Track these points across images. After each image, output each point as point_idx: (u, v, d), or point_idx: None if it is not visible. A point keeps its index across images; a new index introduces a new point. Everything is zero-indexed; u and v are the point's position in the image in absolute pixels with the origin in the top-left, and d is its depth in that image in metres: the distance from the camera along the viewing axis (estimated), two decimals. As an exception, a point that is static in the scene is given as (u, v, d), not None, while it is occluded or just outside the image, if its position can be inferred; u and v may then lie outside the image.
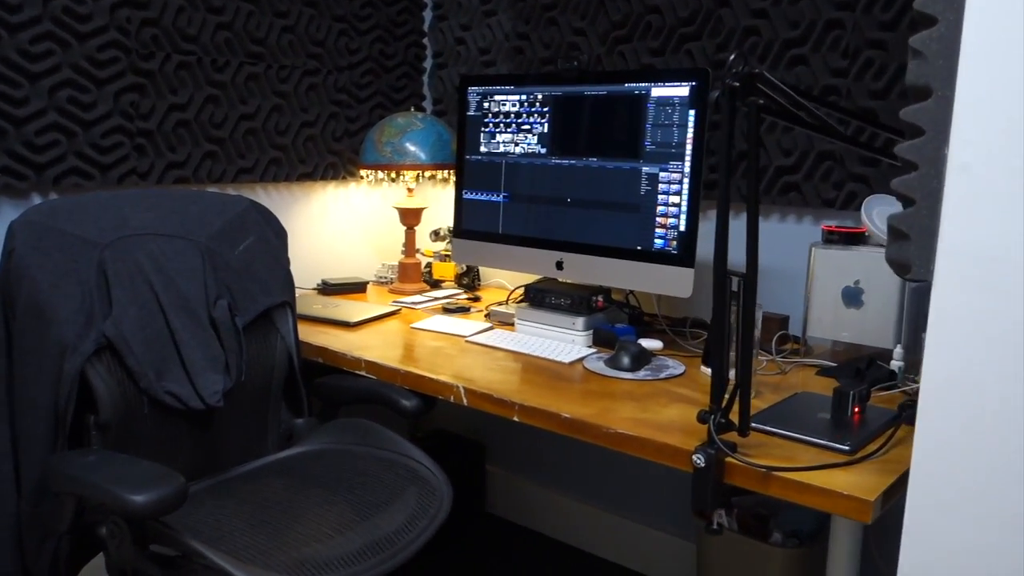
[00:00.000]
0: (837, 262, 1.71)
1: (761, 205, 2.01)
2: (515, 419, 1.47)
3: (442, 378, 1.59)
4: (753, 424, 1.32)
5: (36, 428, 1.36)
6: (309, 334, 1.90)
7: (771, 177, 1.94)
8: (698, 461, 1.19)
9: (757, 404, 1.44)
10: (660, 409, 1.43)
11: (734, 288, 1.16)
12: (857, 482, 1.14)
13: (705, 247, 2.08)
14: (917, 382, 1.56)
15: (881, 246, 1.67)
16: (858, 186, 1.82)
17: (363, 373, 1.73)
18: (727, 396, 1.22)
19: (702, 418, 1.23)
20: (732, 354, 1.28)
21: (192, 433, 1.55)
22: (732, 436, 1.25)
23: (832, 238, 1.73)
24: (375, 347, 1.81)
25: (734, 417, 1.24)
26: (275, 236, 1.75)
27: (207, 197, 1.69)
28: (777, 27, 1.89)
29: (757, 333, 1.54)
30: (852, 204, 1.84)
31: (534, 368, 1.68)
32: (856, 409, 1.37)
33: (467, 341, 1.87)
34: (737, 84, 1.07)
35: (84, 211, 1.48)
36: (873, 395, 1.49)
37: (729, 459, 1.21)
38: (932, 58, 0.88)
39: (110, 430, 1.41)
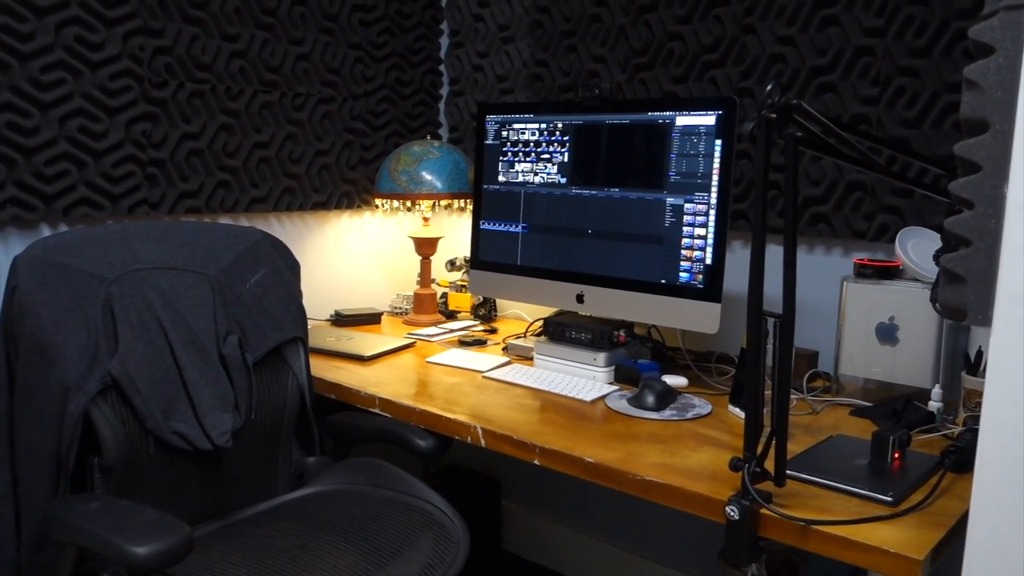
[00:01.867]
0: (870, 297, 1.64)
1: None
2: (536, 462, 1.41)
3: (459, 417, 1.53)
4: (788, 471, 1.25)
5: (37, 471, 1.31)
6: (322, 369, 1.84)
7: (799, 207, 1.88)
8: (732, 514, 1.12)
9: (790, 448, 1.37)
10: (688, 453, 1.36)
11: (769, 330, 1.10)
12: (903, 538, 1.07)
13: (730, 280, 2.02)
14: (957, 424, 1.49)
15: (916, 280, 1.60)
16: (890, 217, 1.76)
17: (377, 411, 1.67)
18: (761, 442, 1.15)
19: (735, 466, 1.16)
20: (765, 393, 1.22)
21: (199, 474, 1.49)
22: (767, 485, 1.18)
23: (865, 272, 1.66)
24: (389, 383, 1.75)
25: (769, 465, 1.17)
26: (288, 269, 1.70)
27: (219, 229, 1.65)
28: (804, 54, 1.83)
29: (789, 372, 1.48)
30: (884, 236, 1.77)
31: (554, 406, 1.61)
32: (896, 455, 1.30)
33: (484, 377, 1.81)
34: (774, 116, 1.01)
35: (91, 245, 1.44)
36: (912, 439, 1.41)
37: (764, 511, 1.14)
38: (990, 89, 0.82)
39: (114, 473, 1.35)
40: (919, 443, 1.41)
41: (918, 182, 1.29)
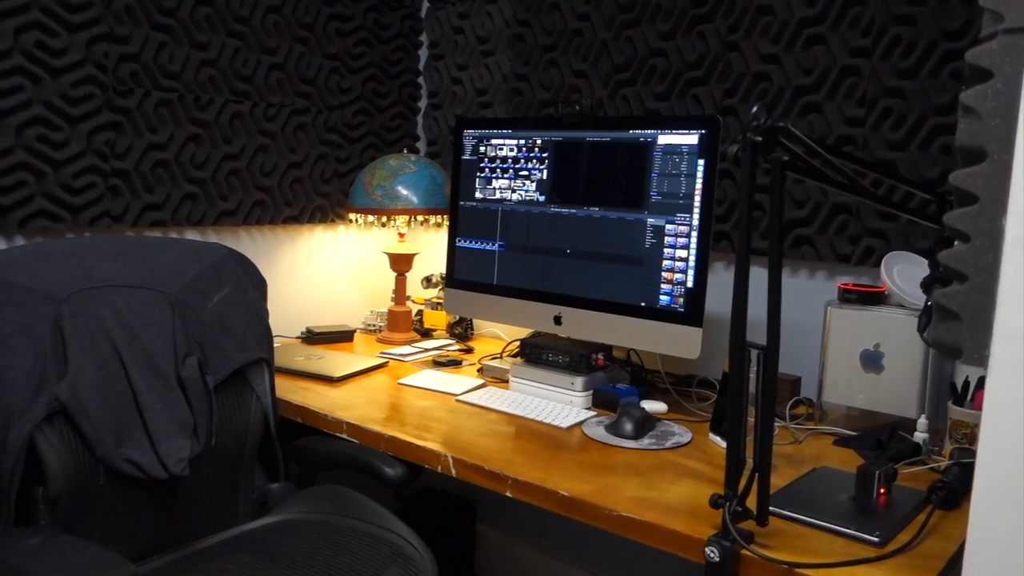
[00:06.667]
0: (854, 323, 1.59)
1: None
2: (508, 494, 1.35)
3: (429, 445, 1.46)
4: (770, 507, 1.19)
5: (-23, 502, 1.23)
6: (289, 390, 1.77)
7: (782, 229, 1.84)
8: (712, 555, 1.06)
9: (772, 480, 1.32)
10: (667, 486, 1.31)
11: (752, 362, 1.05)
12: (891, 583, 1.01)
13: (711, 301, 1.97)
14: (944, 456, 1.44)
15: (902, 306, 1.56)
16: (876, 241, 1.72)
17: (344, 436, 1.60)
18: (745, 475, 1.10)
19: (716, 504, 1.10)
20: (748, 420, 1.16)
21: (153, 504, 1.42)
22: (749, 524, 1.13)
23: (849, 297, 1.61)
24: (359, 406, 1.68)
25: (751, 501, 1.11)
26: (254, 287, 1.63)
27: (181, 245, 1.58)
28: (789, 73, 1.79)
29: (771, 402, 1.42)
30: (869, 260, 1.73)
31: (529, 433, 1.55)
32: (882, 490, 1.25)
33: (457, 400, 1.74)
34: (759, 139, 0.96)
35: (41, 262, 1.36)
36: (898, 472, 1.37)
37: (745, 552, 1.08)
38: (987, 116, 0.77)
39: (60, 504, 1.27)
40: (905, 476, 1.36)
41: (904, 207, 1.25)
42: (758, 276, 1.90)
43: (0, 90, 1.69)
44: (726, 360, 1.83)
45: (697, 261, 1.60)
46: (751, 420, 1.20)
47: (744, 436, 1.11)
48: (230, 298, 1.57)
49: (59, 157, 1.79)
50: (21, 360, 1.26)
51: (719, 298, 1.97)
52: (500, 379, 1.91)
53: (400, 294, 2.32)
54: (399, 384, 1.86)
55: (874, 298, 1.60)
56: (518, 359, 1.87)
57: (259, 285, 1.65)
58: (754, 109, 0.95)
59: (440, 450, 1.44)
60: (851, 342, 1.60)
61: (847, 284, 1.63)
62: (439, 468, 1.44)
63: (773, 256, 0.98)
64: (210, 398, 1.48)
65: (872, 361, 1.58)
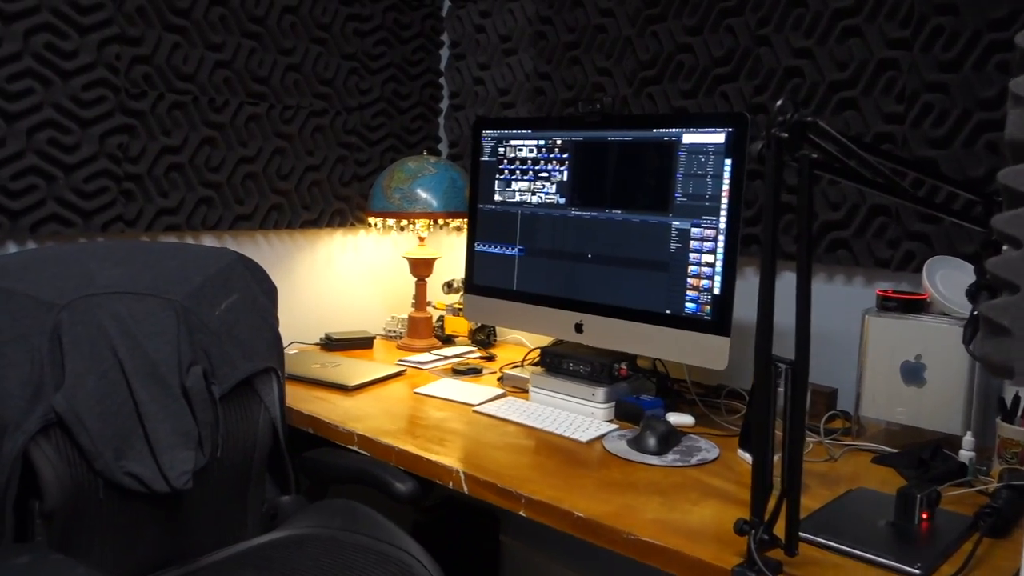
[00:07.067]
0: (894, 332, 1.50)
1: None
2: (521, 513, 1.28)
3: (441, 460, 1.40)
4: (802, 532, 1.11)
5: (-29, 517, 1.19)
6: (302, 399, 1.72)
7: (817, 232, 1.74)
8: (736, 586, 0.98)
9: (804, 502, 1.23)
10: (690, 507, 1.23)
11: (780, 378, 0.97)
12: (934, 621, 0.93)
13: (740, 308, 1.88)
14: (992, 478, 1.34)
15: (945, 315, 1.46)
16: (917, 245, 1.62)
17: (355, 448, 1.54)
18: (773, 496, 1.02)
19: (740, 530, 1.02)
20: (777, 435, 1.08)
21: (156, 518, 1.37)
22: (777, 552, 1.04)
23: (888, 304, 1.52)
24: (372, 416, 1.62)
25: (779, 528, 1.03)
26: (263, 294, 1.58)
27: (188, 250, 1.53)
28: (823, 68, 1.70)
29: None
30: (910, 265, 1.63)
31: (547, 447, 1.48)
32: (924, 515, 1.16)
33: (475, 411, 1.68)
34: (785, 135, 0.88)
35: (41, 267, 1.32)
36: (942, 495, 1.27)
37: (773, 582, 1.00)
38: (1043, 107, 0.69)
39: (56, 518, 1.23)
40: (949, 499, 1.27)
41: (947, 208, 1.15)
42: (791, 283, 1.81)
43: (10, 93, 1.66)
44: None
45: (725, 266, 1.51)
46: (780, 435, 1.11)
47: (772, 458, 1.03)
48: (238, 305, 1.52)
49: (70, 161, 1.75)
50: (16, 370, 1.22)
51: (748, 305, 1.88)
52: (521, 388, 1.84)
53: (420, 300, 2.26)
54: (415, 393, 1.80)
55: (915, 306, 1.50)
56: (538, 368, 1.80)
57: (269, 291, 1.60)
58: (779, 102, 0.87)
59: (452, 465, 1.38)
60: (891, 353, 1.50)
61: (886, 291, 1.53)
62: (451, 484, 1.37)
63: (801, 262, 0.89)
64: (216, 408, 1.43)
65: (913, 373, 1.48)
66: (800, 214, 0.89)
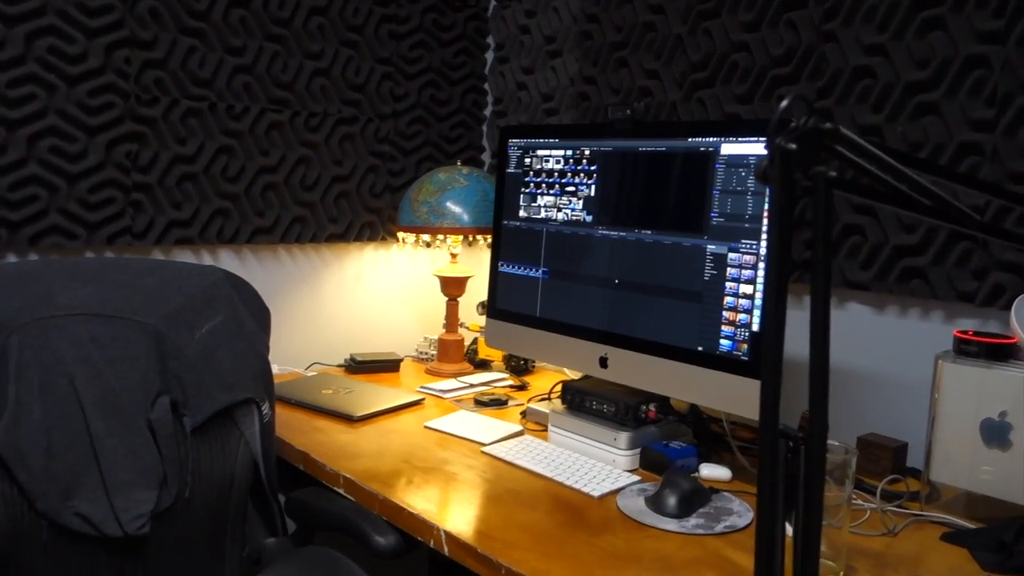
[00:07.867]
0: (975, 382, 1.24)
1: (875, 293, 1.55)
2: (502, 586, 1.09)
3: (424, 514, 1.23)
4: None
5: (-100, 557, 1.10)
6: (298, 430, 1.58)
7: (887, 258, 1.49)
8: None
9: (844, 596, 1.00)
10: (699, 594, 1.01)
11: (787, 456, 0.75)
12: None
13: (788, 341, 1.64)
14: (1094, 574, 1.07)
15: (1040, 365, 1.20)
16: (1007, 277, 1.35)
17: (341, 491, 1.39)
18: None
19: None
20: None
21: (114, 565, 1.25)
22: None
23: (968, 349, 1.26)
24: (367, 455, 1.47)
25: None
26: (251, 316, 1.45)
27: (169, 268, 1.41)
28: (898, 66, 1.45)
29: (846, 493, 1.10)
30: (998, 301, 1.36)
31: (552, 501, 1.29)
32: (996, 627, 0.91)
33: (483, 451, 1.50)
34: (794, 147, 0.68)
35: (-6, 286, 1.23)
36: (1024, 595, 1.02)
37: None
38: None
39: (-9, 564, 1.13)
40: (1034, 601, 1.01)
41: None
42: (858, 314, 1.57)
43: (11, 99, 1.60)
44: (802, 413, 1.50)
45: (765, 299, 1.29)
46: (831, 497, 0.89)
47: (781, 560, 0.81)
48: (221, 329, 1.39)
49: (74, 170, 1.68)
50: (-52, 400, 1.12)
51: (796, 338, 1.63)
52: (543, 425, 1.66)
53: (452, 321, 2.10)
54: (425, 427, 1.64)
55: (1002, 351, 1.24)
56: (560, 405, 1.60)
57: (258, 314, 1.47)
58: (783, 103, 0.66)
59: (432, 521, 1.20)
60: (971, 408, 1.25)
61: (965, 332, 1.28)
62: (431, 543, 1.20)
63: (816, 316, 0.69)
64: (185, 443, 1.30)
65: (997, 433, 1.22)
66: (816, 251, 0.68)
